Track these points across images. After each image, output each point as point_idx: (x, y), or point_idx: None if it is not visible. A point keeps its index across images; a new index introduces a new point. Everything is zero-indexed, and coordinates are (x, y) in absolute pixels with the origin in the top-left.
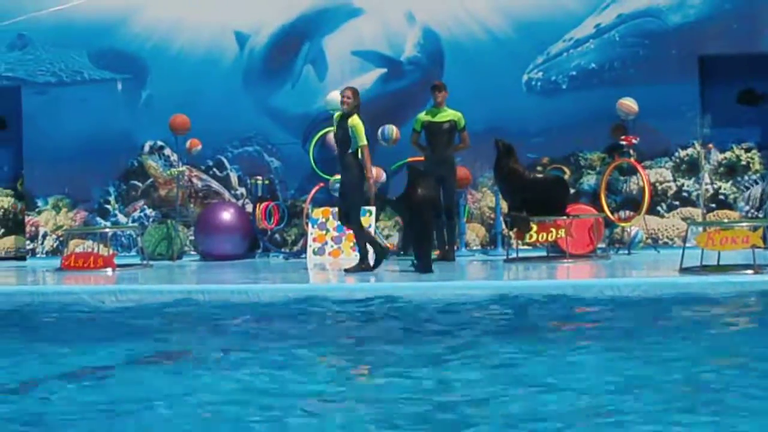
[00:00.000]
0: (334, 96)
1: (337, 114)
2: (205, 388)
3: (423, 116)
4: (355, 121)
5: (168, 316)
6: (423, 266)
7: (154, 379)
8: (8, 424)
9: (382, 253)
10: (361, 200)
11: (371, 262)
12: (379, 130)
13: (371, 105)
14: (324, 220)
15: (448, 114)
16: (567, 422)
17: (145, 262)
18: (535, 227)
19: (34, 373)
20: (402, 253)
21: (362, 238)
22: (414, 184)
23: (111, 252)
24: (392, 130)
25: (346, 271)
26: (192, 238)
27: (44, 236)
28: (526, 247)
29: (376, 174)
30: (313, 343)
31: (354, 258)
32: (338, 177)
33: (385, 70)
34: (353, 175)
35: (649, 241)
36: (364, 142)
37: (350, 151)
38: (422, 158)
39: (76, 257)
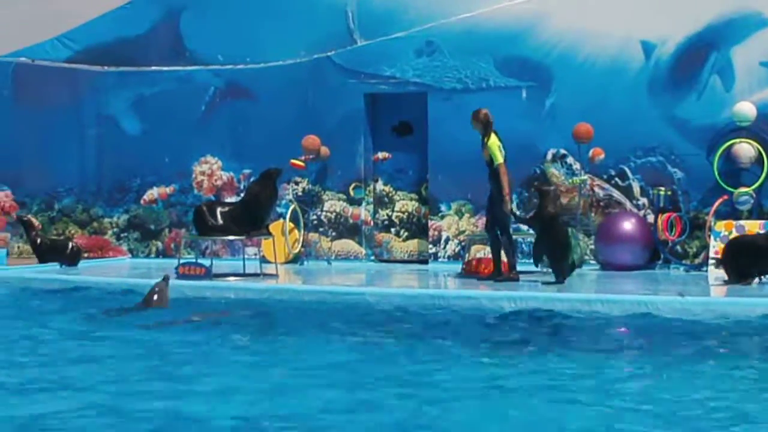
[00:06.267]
0: (742, 107)
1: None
2: None
3: None
4: (490, 141)
5: (568, 322)
6: (557, 278)
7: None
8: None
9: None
10: (506, 215)
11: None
12: None
13: None
14: (727, 233)
15: None
16: None
17: (544, 270)
18: None
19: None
20: (536, 266)
21: (511, 250)
22: (544, 203)
23: None
24: None
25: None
26: (592, 247)
27: (446, 241)
28: None
29: None
30: None
31: None
32: (743, 189)
33: None
34: (497, 191)
35: None
36: (500, 160)
37: (495, 167)
38: None
39: (477, 262)
